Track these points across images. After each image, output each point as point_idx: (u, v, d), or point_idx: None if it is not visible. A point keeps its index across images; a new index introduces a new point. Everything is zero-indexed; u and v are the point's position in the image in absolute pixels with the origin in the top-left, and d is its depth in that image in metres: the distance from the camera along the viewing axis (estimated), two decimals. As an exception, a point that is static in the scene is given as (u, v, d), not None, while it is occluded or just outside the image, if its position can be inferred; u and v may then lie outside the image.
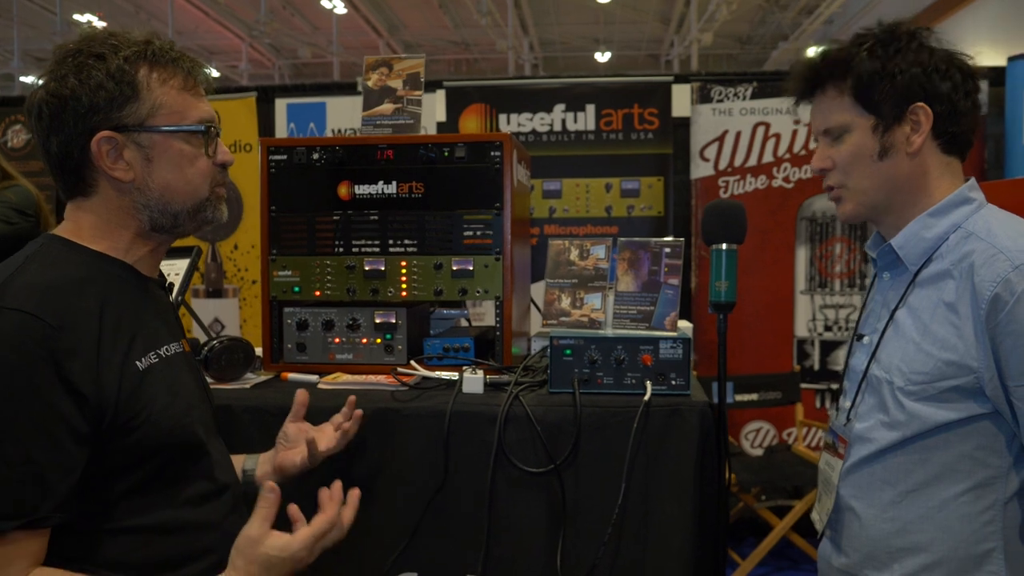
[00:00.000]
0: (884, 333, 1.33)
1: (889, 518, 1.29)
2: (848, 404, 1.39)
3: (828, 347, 4.38)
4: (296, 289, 1.79)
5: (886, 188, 1.32)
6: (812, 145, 4.34)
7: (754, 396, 4.19)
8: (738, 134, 4.43)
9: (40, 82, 1.16)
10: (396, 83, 1.85)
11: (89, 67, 1.12)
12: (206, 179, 1.23)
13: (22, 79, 13.55)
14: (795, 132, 4.36)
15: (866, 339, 1.39)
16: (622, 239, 1.67)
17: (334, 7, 10.94)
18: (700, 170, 4.47)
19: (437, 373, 1.65)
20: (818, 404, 4.40)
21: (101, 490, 1.08)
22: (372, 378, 1.69)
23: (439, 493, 1.54)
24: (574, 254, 1.69)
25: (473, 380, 1.57)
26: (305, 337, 1.79)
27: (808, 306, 4.40)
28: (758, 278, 4.44)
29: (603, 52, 13.32)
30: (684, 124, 4.54)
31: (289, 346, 1.80)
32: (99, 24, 12.28)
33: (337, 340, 1.78)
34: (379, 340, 1.77)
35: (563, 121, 4.54)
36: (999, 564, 1.22)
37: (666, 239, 1.65)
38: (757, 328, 4.53)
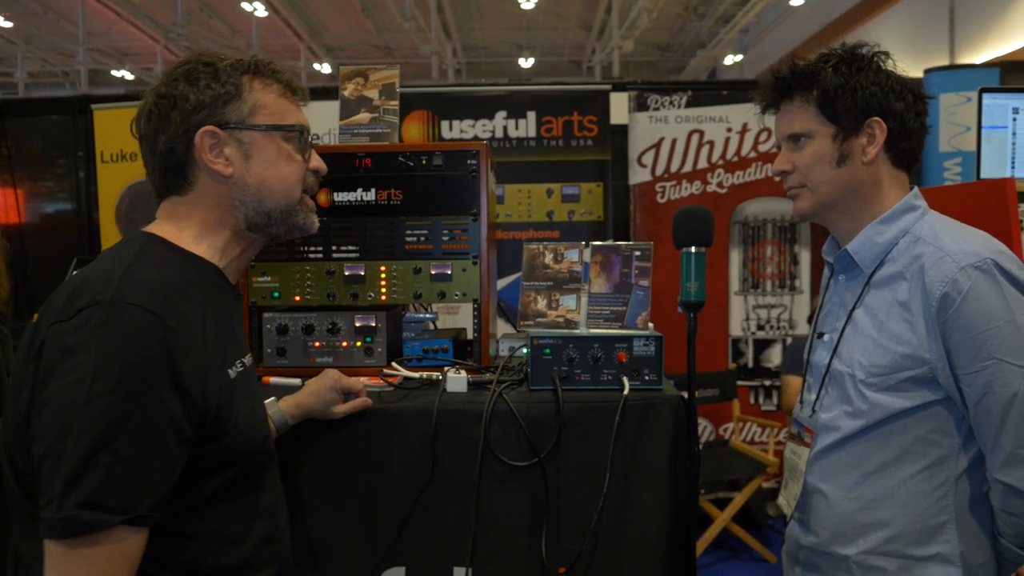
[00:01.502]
0: (844, 331, 1.45)
1: (854, 497, 1.41)
2: (813, 397, 1.51)
3: (761, 345, 4.60)
4: (276, 295, 1.82)
5: (841, 191, 1.46)
6: (746, 151, 4.55)
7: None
8: (674, 141, 4.60)
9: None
10: (372, 93, 1.90)
11: (198, 72, 1.19)
12: (299, 181, 1.28)
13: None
14: (727, 140, 4.56)
15: (826, 337, 1.51)
16: (595, 243, 1.77)
17: (255, 9, 10.73)
18: (638, 176, 4.63)
19: (419, 373, 1.70)
20: (752, 400, 4.61)
21: (185, 493, 1.09)
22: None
23: (427, 488, 1.59)
24: (548, 258, 1.77)
25: (457, 379, 1.63)
26: (285, 341, 1.82)
27: (742, 306, 4.61)
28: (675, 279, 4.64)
29: (526, 58, 13.48)
30: (622, 131, 4.69)
31: (269, 350, 1.82)
32: (5, 24, 11.77)
33: (317, 344, 1.82)
34: (359, 343, 1.81)
35: (505, 128, 4.63)
36: (952, 534, 1.36)
37: (637, 243, 1.75)
38: (671, 323, 4.71)
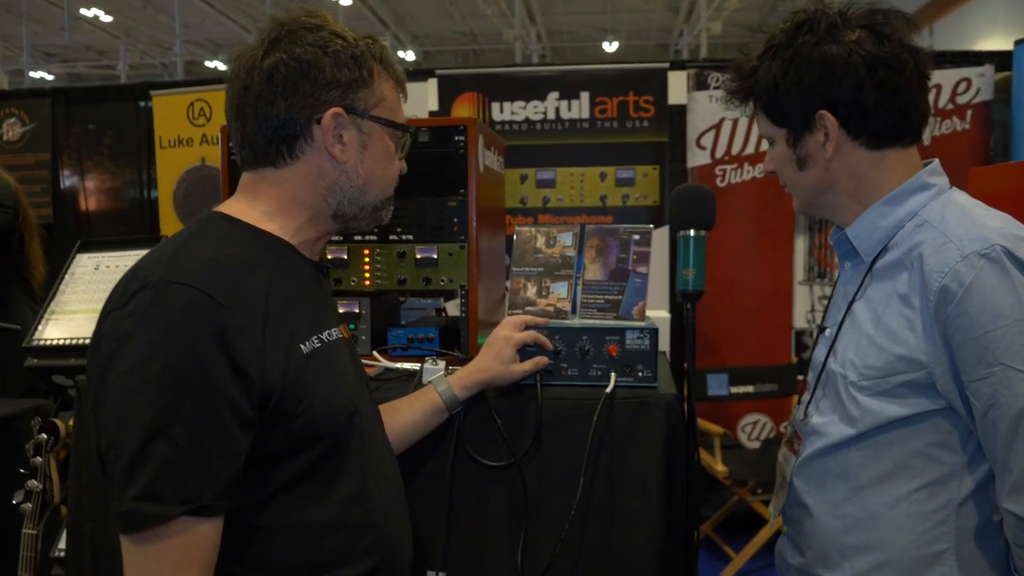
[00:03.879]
0: (841, 326, 1.27)
1: (840, 515, 1.23)
2: (808, 398, 1.33)
3: (826, 338, 4.31)
4: (258, 279, 1.74)
5: (814, 192, 1.31)
6: (810, 132, 4.26)
7: (750, 388, 4.13)
8: (735, 122, 4.35)
9: (261, 51, 1.13)
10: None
11: (335, 43, 1.13)
12: (394, 180, 1.26)
13: (31, 74, 13.58)
14: (793, 119, 4.28)
15: (827, 331, 1.33)
16: (590, 226, 1.62)
17: (339, -1, 10.88)
18: (696, 158, 4.40)
19: (399, 364, 1.60)
20: (816, 396, 4.34)
21: (259, 481, 1.05)
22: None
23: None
24: (540, 242, 1.63)
25: (432, 371, 1.52)
26: (268, 328, 1.74)
27: (807, 296, 4.33)
28: (756, 268, 4.38)
29: (611, 42, 13.19)
30: (680, 112, 4.48)
31: (252, 337, 1.75)
32: (105, 19, 12.28)
33: (300, 331, 1.73)
34: (346, 329, 1.72)
35: (557, 109, 4.47)
36: (951, 566, 1.16)
37: (636, 226, 1.59)
38: (755, 319, 4.46)
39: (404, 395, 1.47)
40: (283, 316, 1.06)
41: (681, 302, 1.46)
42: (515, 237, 1.66)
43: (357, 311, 1.71)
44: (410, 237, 1.69)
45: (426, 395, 1.44)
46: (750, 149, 4.33)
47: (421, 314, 2.00)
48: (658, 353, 1.50)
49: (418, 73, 4.61)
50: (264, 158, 1.14)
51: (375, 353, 1.64)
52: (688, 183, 1.46)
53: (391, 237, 1.70)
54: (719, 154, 4.38)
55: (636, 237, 1.59)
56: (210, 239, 1.08)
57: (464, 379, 1.44)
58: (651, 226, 1.59)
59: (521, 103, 4.49)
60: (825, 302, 4.35)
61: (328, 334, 1.16)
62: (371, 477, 1.18)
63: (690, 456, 1.46)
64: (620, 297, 1.57)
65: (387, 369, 1.62)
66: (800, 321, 4.35)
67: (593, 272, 1.60)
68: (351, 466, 1.15)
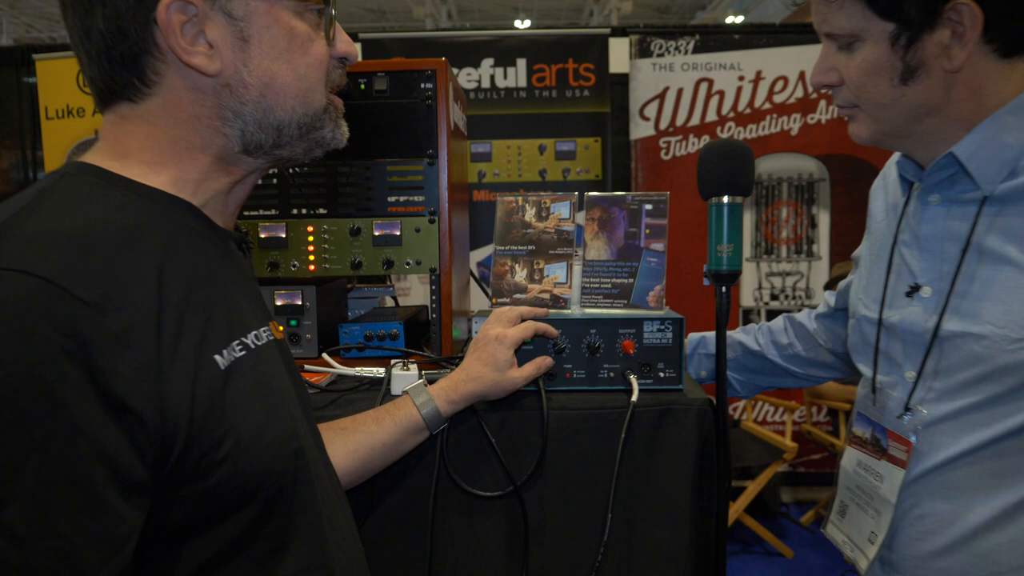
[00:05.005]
0: (956, 277, 1.01)
1: (999, 529, 0.98)
2: (908, 384, 1.07)
3: (775, 317, 4.15)
4: (170, 264, 1.38)
5: (912, 117, 1.03)
6: (759, 103, 4.08)
7: (701, 371, 3.95)
8: (680, 91, 4.13)
9: None
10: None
11: None
12: (323, 77, 0.85)
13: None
14: (739, 89, 4.09)
15: (925, 290, 1.07)
16: (591, 194, 1.33)
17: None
18: (640, 130, 4.17)
19: (357, 369, 1.27)
20: (765, 377, 4.20)
21: (162, 570, 0.70)
22: (272, 377, 1.30)
23: (365, 524, 1.17)
24: (530, 213, 1.33)
25: (404, 378, 1.20)
26: (184, 326, 1.38)
27: (754, 274, 4.17)
28: (700, 244, 4.19)
29: (523, 20, 12.90)
30: (622, 81, 4.23)
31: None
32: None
33: (226, 329, 1.38)
34: (281, 328, 1.37)
35: (492, 77, 4.15)
36: None
37: (648, 193, 1.31)
38: (699, 298, 4.26)
39: (366, 408, 1.15)
40: (186, 313, 0.72)
41: (712, 284, 1.19)
42: (497, 207, 1.34)
43: (299, 303, 1.37)
44: (366, 209, 1.36)
45: (400, 410, 1.12)
46: (695, 120, 4.12)
47: (372, 304, 1.66)
48: (683, 348, 1.22)
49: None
50: (118, 91, 0.79)
51: (325, 356, 1.31)
52: (721, 139, 1.16)
53: (341, 210, 1.36)
54: (663, 125, 4.15)
55: (648, 206, 1.30)
56: (66, 201, 0.72)
57: (450, 391, 1.13)
58: (667, 193, 1.31)
59: (453, 70, 4.14)
60: (772, 280, 4.23)
61: (255, 336, 0.81)
62: (328, 539, 0.86)
63: (722, 469, 1.20)
64: (631, 280, 1.28)
65: (341, 376, 1.29)
66: (747, 299, 4.19)
67: (597, 250, 1.31)
68: (300, 529, 0.81)
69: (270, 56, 0.80)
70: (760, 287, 4.18)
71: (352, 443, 1.08)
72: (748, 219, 4.14)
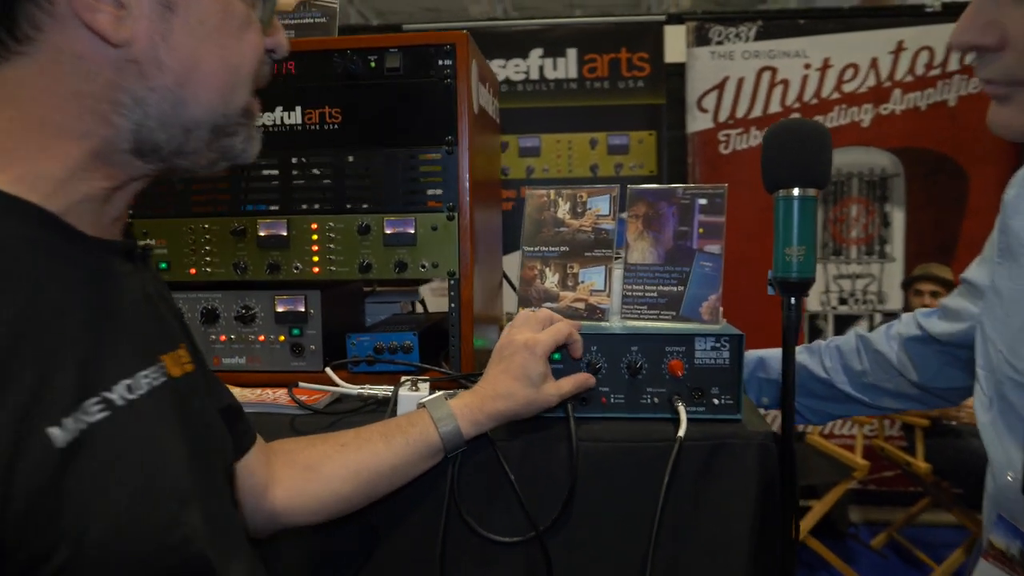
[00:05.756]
0: None
1: None
2: None
3: (844, 322, 3.88)
4: (163, 265, 1.24)
5: None
6: (827, 92, 3.81)
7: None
8: (740, 81, 3.89)
9: None
10: (301, -35, 1.28)
11: None
12: (253, 71, 0.68)
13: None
14: (805, 78, 3.83)
15: None
16: (635, 187, 1.14)
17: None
18: (697, 122, 3.93)
19: (360, 388, 1.10)
20: (831, 386, 3.92)
21: None
22: (270, 394, 1.14)
23: (364, 569, 1.01)
24: (563, 209, 1.15)
25: (411, 399, 1.03)
26: (178, 334, 1.24)
27: (821, 276, 3.90)
28: (763, 244, 3.93)
29: (577, 16, 12.67)
30: (679, 71, 4.00)
31: (156, 347, 1.25)
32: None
33: (223, 337, 1.23)
34: (282, 337, 1.22)
35: (541, 68, 3.97)
36: None
37: (702, 187, 1.11)
38: (761, 302, 4.01)
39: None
40: (12, 369, 0.51)
41: (778, 294, 0.99)
42: (526, 202, 1.17)
43: (302, 309, 1.21)
44: (376, 205, 1.19)
45: (413, 427, 0.95)
46: (757, 111, 3.87)
47: (392, 310, 1.50)
48: (742, 371, 1.02)
49: (385, 29, 4.08)
50: None
51: (328, 371, 1.15)
52: (792, 119, 0.95)
53: (349, 205, 1.20)
54: (722, 117, 3.91)
55: (703, 201, 1.10)
56: None
57: (476, 410, 0.95)
58: (724, 186, 1.11)
59: (500, 61, 3.97)
60: (841, 282, 3.95)
61: (129, 387, 0.60)
62: None
63: (787, 520, 0.99)
64: (681, 289, 1.09)
65: (344, 396, 1.13)
66: (813, 304, 3.92)
67: (641, 252, 1.11)
68: None
69: (198, 35, 0.62)
70: (827, 290, 3.90)
71: (353, 463, 0.91)
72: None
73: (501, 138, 3.88)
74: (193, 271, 1.23)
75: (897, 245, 3.84)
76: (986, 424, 0.93)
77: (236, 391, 1.14)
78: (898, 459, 3.46)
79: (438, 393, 0.99)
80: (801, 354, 1.31)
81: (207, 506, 0.65)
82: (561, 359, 1.03)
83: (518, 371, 0.96)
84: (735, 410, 1.03)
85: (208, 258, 1.22)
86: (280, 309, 1.21)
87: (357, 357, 1.20)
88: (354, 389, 1.09)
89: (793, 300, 0.98)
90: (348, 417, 1.07)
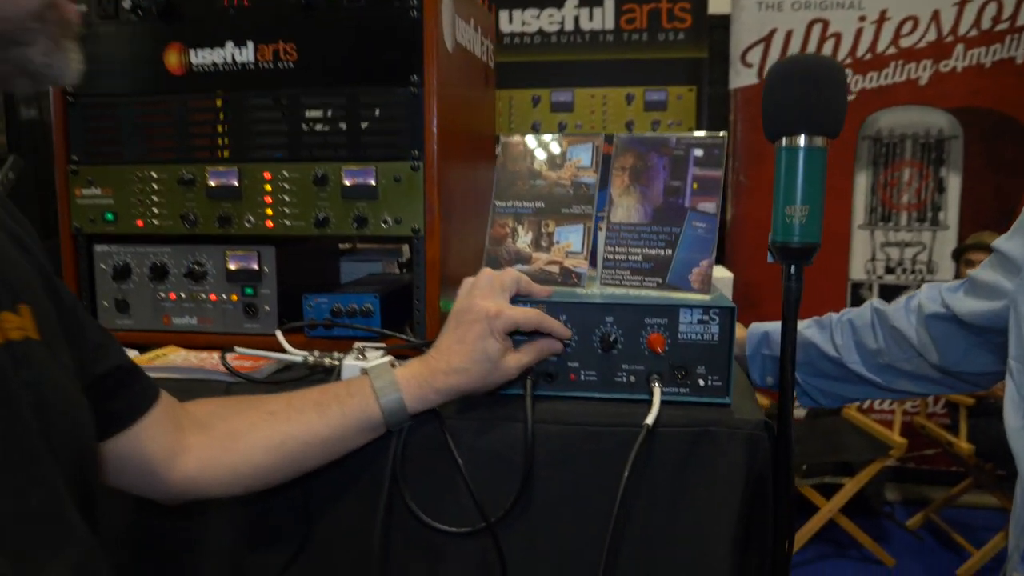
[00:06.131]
0: None
1: None
2: None
3: (889, 293, 3.66)
4: (109, 216, 1.14)
5: None
6: (882, 47, 3.54)
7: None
8: (788, 34, 3.64)
9: None
10: None
11: None
12: None
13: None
14: (859, 31, 3.57)
15: None
16: (621, 136, 1.00)
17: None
18: (741, 78, 3.72)
19: (306, 355, 0.99)
20: (874, 359, 3.72)
21: None
22: (212, 359, 1.04)
23: (297, 560, 0.91)
24: (540, 159, 1.01)
25: (358, 369, 0.92)
26: (127, 291, 1.15)
27: (867, 243, 3.68)
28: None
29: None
30: (723, 23, 3.78)
31: (105, 304, 1.16)
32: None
33: (173, 296, 1.13)
34: (235, 296, 1.12)
35: (576, 18, 3.78)
36: None
37: (696, 134, 0.97)
38: (806, 268, 3.81)
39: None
40: None
41: (777, 262, 0.85)
42: (500, 151, 1.03)
43: (255, 267, 1.10)
44: (334, 152, 1.07)
45: (352, 397, 0.83)
46: (805, 67, 3.62)
47: (372, 270, 1.39)
48: (733, 348, 0.89)
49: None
50: None
51: (278, 335, 1.04)
52: (797, 55, 0.79)
53: (303, 152, 1.08)
54: (768, 73, 3.68)
55: (698, 152, 0.96)
56: None
57: (424, 384, 0.84)
58: (722, 135, 0.96)
59: (534, 11, 3.79)
60: (888, 250, 3.72)
61: None
62: None
63: (781, 523, 0.86)
64: (670, 252, 0.95)
65: (291, 366, 1.02)
66: (858, 272, 3.70)
67: (626, 210, 0.98)
68: None
69: None
70: (874, 258, 3.68)
71: (280, 433, 0.80)
72: (863, 181, 3.64)
73: (533, 92, 3.71)
74: (140, 223, 1.13)
75: (951, 212, 3.59)
76: (1018, 430, 0.78)
77: (173, 355, 1.05)
78: (940, 438, 3.27)
79: (382, 359, 0.88)
80: (809, 328, 1.15)
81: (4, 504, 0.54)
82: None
83: (474, 344, 0.83)
84: (723, 393, 0.89)
85: (156, 209, 1.12)
86: (232, 266, 1.11)
87: (314, 321, 1.09)
88: (298, 355, 0.98)
89: (794, 269, 0.84)
90: (290, 387, 0.96)
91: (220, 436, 0.79)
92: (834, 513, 3.14)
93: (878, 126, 3.60)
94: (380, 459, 0.87)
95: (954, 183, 3.59)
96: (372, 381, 0.83)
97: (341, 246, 1.41)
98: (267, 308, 1.11)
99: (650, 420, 0.81)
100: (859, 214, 3.66)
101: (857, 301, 3.71)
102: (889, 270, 3.67)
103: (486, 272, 0.88)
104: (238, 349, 0.99)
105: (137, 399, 0.75)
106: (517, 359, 0.86)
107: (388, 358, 0.87)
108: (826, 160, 0.83)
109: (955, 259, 3.42)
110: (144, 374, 0.77)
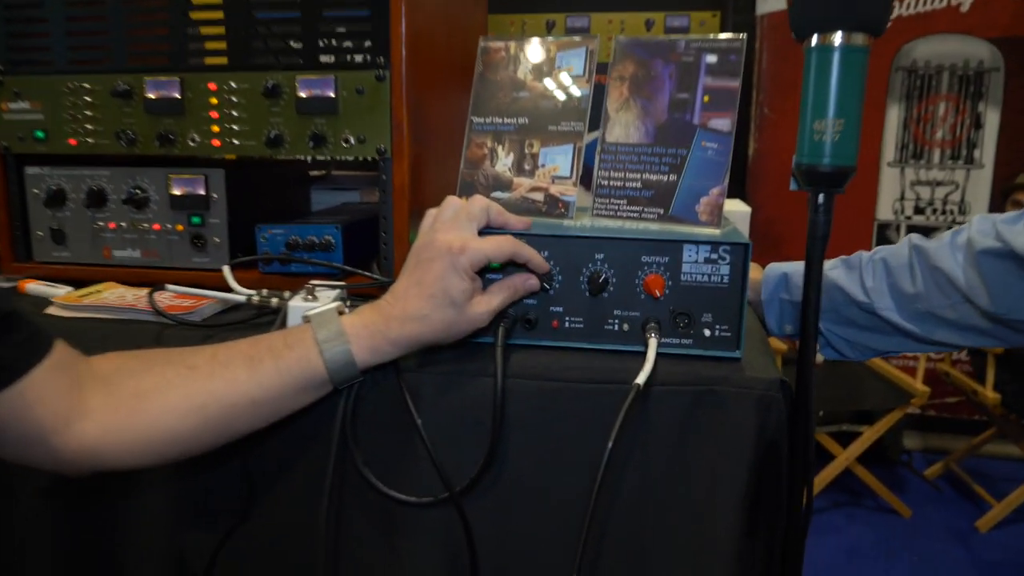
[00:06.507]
0: None
1: None
2: None
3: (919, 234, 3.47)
4: (39, 134, 1.00)
5: None
6: (921, -34, 3.28)
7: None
8: (821, -46, 3.38)
9: None
10: None
11: None
12: None
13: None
14: (897, -50, 3.30)
15: None
16: (620, 38, 0.84)
17: None
18: (768, 3, 3.47)
19: (250, 293, 0.86)
20: (898, 304, 3.55)
21: None
22: (140, 297, 0.91)
23: (237, 531, 0.80)
24: (524, 67, 0.86)
25: (302, 310, 0.79)
26: (63, 219, 1.02)
27: (896, 181, 3.47)
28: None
29: None
30: (750, -58, 3.52)
31: (40, 234, 1.03)
32: None
33: (113, 225, 1.00)
34: (180, 226, 0.99)
35: (593, -63, 3.54)
36: None
37: (709, 38, 0.81)
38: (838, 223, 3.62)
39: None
40: None
41: (802, 188, 0.70)
42: (479, 58, 0.88)
43: (202, 193, 0.97)
44: (288, 59, 0.92)
45: (291, 350, 0.70)
46: (838, -9, 3.37)
47: (350, 199, 1.25)
48: (746, 292, 0.75)
49: None
50: None
51: (225, 271, 0.91)
52: None
53: (252, 59, 0.93)
54: (797, -3, 3.43)
55: (711, 59, 0.80)
56: None
57: (376, 333, 0.71)
58: (740, 37, 0.80)
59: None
60: (919, 189, 3.52)
61: None
62: None
63: (797, 497, 0.74)
64: (675, 178, 0.80)
65: (236, 306, 0.89)
66: (885, 212, 3.51)
67: (624, 127, 0.83)
68: None
69: None
70: (903, 198, 3.49)
71: (200, 394, 0.67)
72: (894, 115, 3.42)
73: (547, 16, 3.50)
74: (74, 142, 0.99)
75: (988, 150, 3.37)
76: None
77: (119, 291, 0.92)
78: (964, 386, 3.12)
79: (329, 305, 0.74)
80: (835, 270, 1.00)
81: None
82: (501, 268, 0.76)
83: (434, 286, 0.70)
84: (733, 345, 0.76)
85: (90, 126, 0.98)
86: (176, 191, 0.97)
87: (268, 254, 0.96)
88: (241, 295, 0.85)
89: (822, 198, 0.69)
90: (230, 331, 0.83)
91: (127, 396, 0.66)
92: (851, 462, 3.03)
93: (913, 56, 3.36)
94: (328, 420, 0.74)
95: (992, 119, 3.36)
96: (315, 331, 0.70)
97: (313, 172, 1.27)
98: (216, 240, 0.98)
99: (642, 379, 0.67)
100: (889, 150, 3.45)
101: (884, 243, 3.53)
102: (919, 210, 3.47)
103: (451, 201, 0.74)
104: (170, 287, 0.86)
105: (21, 351, 0.62)
106: (487, 301, 0.72)
107: (334, 304, 0.74)
108: (867, 64, 0.67)
109: (1004, 197, 3.20)
110: (31, 321, 0.64)
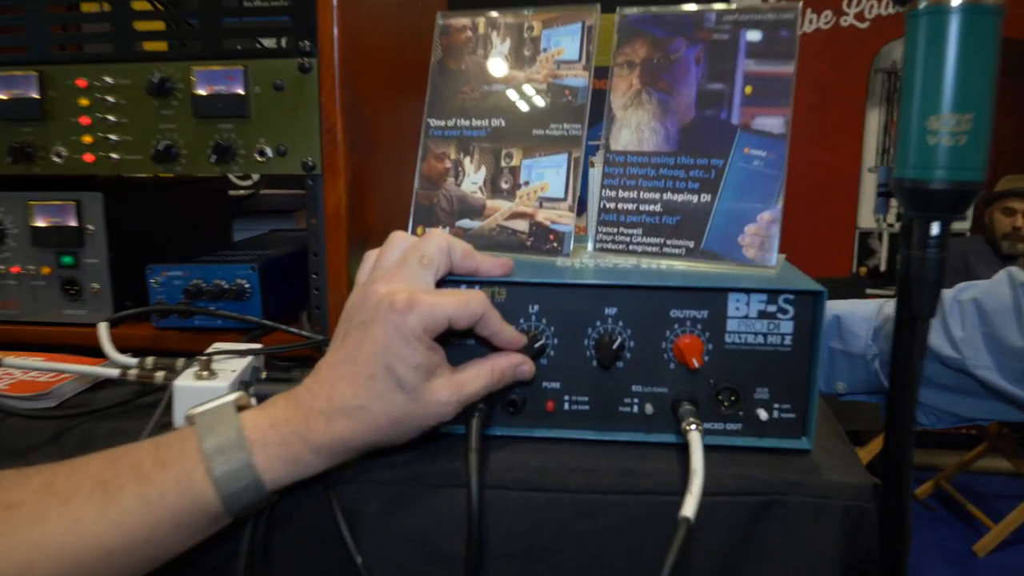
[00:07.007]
0: None
1: None
2: None
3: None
4: None
5: None
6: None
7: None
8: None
9: None
10: None
11: None
12: None
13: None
14: (875, -51, 3.16)
15: None
16: (628, 11, 0.63)
17: None
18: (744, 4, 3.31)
19: (129, 363, 0.63)
20: (883, 316, 3.40)
21: None
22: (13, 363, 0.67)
23: None
24: (499, 51, 0.64)
25: (192, 392, 0.55)
26: None
27: (873, 184, 3.32)
28: (813, 150, 3.35)
29: None
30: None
31: None
32: None
33: (-41, 267, 0.76)
34: (46, 268, 0.75)
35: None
36: None
37: (751, 5, 0.60)
38: (808, 216, 3.46)
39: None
40: None
41: (909, 214, 0.50)
42: (435, 40, 0.66)
43: (74, 224, 0.73)
44: (180, 46, 0.69)
45: (163, 466, 0.46)
46: (814, -11, 3.23)
47: (281, 227, 1.02)
48: (818, 361, 0.53)
49: None
50: None
51: (100, 329, 0.67)
52: None
53: (135, 46, 0.70)
54: (772, -3, 3.28)
55: (753, 36, 0.59)
56: None
57: (287, 431, 0.48)
58: (796, 5, 0.60)
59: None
60: (901, 195, 3.36)
61: None
62: None
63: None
64: (708, 199, 0.59)
65: (110, 382, 0.66)
66: (867, 219, 3.36)
67: (635, 130, 0.61)
68: None
69: None
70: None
71: (23, 547, 0.43)
72: (874, 119, 3.27)
73: None
74: (-99, 157, 0.75)
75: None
76: None
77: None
78: (958, 403, 2.97)
79: (222, 399, 0.51)
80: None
81: None
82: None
83: (372, 363, 0.47)
84: (798, 432, 0.54)
85: (-78, 136, 0.74)
86: (40, 223, 0.73)
87: (163, 303, 0.72)
88: (114, 367, 0.62)
89: (936, 228, 0.48)
90: (94, 424, 0.60)
91: None
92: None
93: (893, 58, 3.22)
94: (230, 557, 0.51)
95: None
96: (200, 437, 0.47)
97: (238, 192, 1.04)
98: (95, 286, 0.74)
99: (691, 509, 0.45)
100: (869, 156, 3.31)
101: (865, 253, 3.37)
102: (901, 218, 3.32)
103: (396, 238, 0.51)
104: (6, 361, 0.62)
105: None
106: (455, 385, 0.50)
107: (232, 396, 0.50)
108: (1000, 31, 0.46)
109: (985, 206, 3.05)
110: None
